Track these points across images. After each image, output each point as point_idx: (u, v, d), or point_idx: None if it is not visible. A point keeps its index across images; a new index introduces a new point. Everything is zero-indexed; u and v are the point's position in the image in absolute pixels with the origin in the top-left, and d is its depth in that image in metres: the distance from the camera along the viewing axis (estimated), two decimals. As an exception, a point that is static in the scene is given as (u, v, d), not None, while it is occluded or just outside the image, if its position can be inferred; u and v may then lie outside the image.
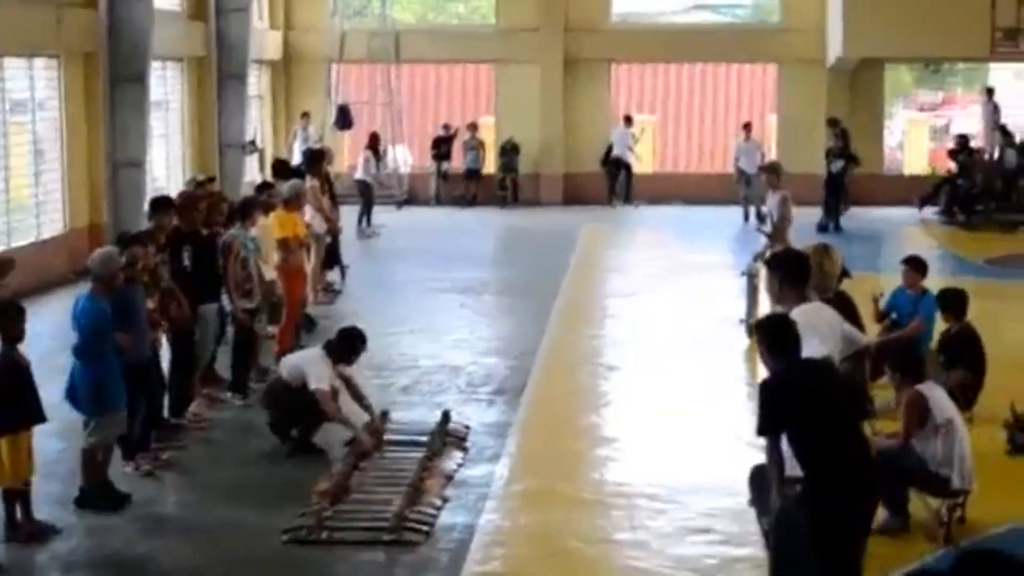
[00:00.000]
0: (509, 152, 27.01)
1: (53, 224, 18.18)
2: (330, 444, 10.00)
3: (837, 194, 23.25)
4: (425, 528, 8.26)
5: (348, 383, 10.21)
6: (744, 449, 9.18)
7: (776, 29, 27.43)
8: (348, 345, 10.17)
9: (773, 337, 6.70)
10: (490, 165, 27.43)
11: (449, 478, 9.26)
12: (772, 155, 25.08)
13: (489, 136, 27.59)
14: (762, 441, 6.60)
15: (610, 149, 26.57)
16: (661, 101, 29.27)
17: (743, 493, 7.79)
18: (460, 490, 9.08)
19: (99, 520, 8.53)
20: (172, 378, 10.55)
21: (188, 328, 10.61)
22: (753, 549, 7.82)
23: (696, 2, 29.37)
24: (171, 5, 21.71)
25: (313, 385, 9.77)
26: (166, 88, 21.77)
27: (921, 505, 8.20)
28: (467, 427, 10.45)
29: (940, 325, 11.14)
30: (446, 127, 27.32)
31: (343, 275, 17.03)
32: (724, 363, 12.88)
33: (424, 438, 9.94)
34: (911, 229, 23.23)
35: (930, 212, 24.37)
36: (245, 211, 11.93)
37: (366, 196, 22.66)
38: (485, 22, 28.47)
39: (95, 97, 18.45)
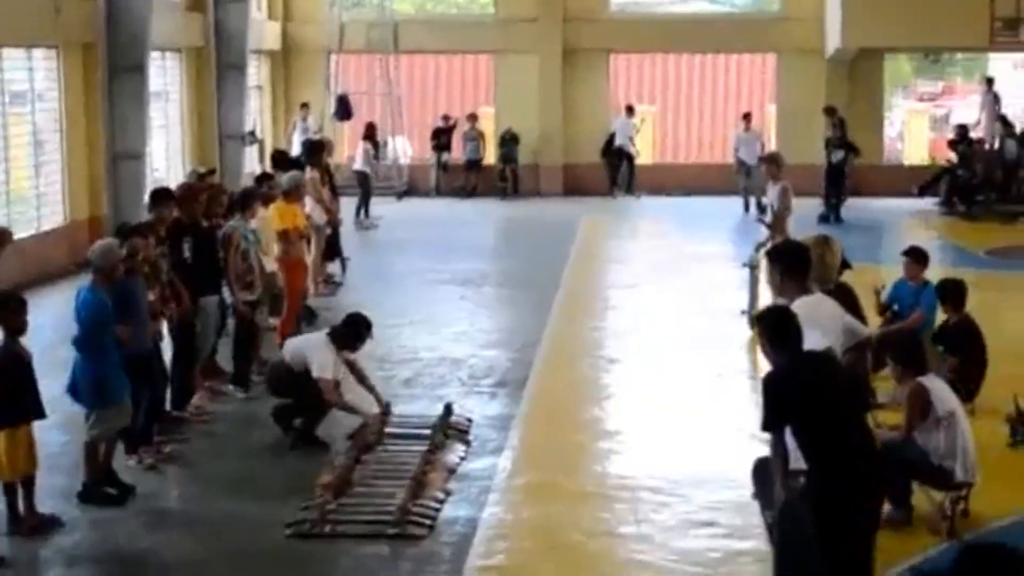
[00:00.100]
0: (509, 143, 26.99)
1: (53, 216, 18.17)
2: (332, 437, 9.99)
3: (838, 184, 23.24)
4: (428, 521, 8.26)
5: (352, 367, 10.19)
6: (747, 442, 9.19)
7: (775, 19, 27.40)
8: (354, 332, 10.14)
9: (774, 329, 6.70)
10: (490, 156, 27.41)
11: (452, 471, 9.25)
12: (771, 145, 25.07)
13: (489, 127, 27.56)
14: (766, 434, 6.60)
15: (610, 140, 26.55)
16: (660, 91, 29.22)
17: (746, 486, 7.80)
18: (463, 483, 9.07)
19: (102, 513, 8.53)
20: (174, 371, 10.54)
21: (189, 320, 10.60)
22: (757, 542, 7.82)
23: (695, -8, 29.36)
24: (169, -5, 21.68)
25: (316, 373, 9.76)
26: (165, 79, 21.73)
27: (924, 498, 8.21)
28: (469, 420, 10.44)
29: (941, 317, 11.14)
30: (445, 118, 27.29)
31: (344, 267, 17.02)
32: (726, 355, 12.86)
33: (426, 431, 9.93)
34: (911, 220, 23.22)
35: (930, 203, 24.35)
36: (245, 203, 11.93)
37: (364, 187, 22.64)
38: (484, 12, 28.43)
39: (94, 88, 18.42)
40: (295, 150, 21.69)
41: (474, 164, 27.09)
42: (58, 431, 9.45)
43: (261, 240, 11.98)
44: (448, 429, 10.06)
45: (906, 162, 28.62)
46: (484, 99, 28.22)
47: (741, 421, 10.09)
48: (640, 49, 28.06)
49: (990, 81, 26.79)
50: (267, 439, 10.09)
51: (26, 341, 8.31)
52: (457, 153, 27.25)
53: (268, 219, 12.55)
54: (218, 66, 22.74)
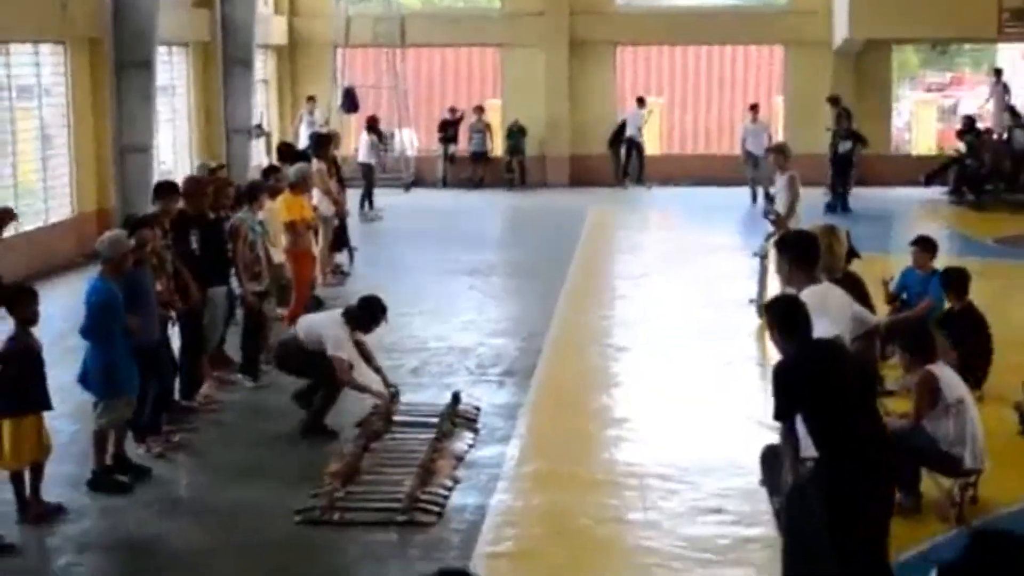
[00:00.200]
0: (516, 134, 26.99)
1: (61, 209, 18.22)
2: (341, 425, 10.01)
3: (844, 174, 23.22)
4: (437, 509, 8.27)
5: (360, 347, 10.21)
6: (755, 429, 9.19)
7: (783, 11, 27.37)
8: (369, 314, 10.16)
9: (783, 318, 6.70)
10: (497, 148, 27.42)
11: (460, 459, 9.26)
12: (779, 136, 25.04)
13: (496, 119, 27.57)
14: (777, 423, 6.59)
15: (619, 131, 26.55)
16: (667, 83, 29.19)
17: (754, 473, 7.80)
18: (471, 471, 9.08)
19: (111, 501, 8.55)
20: (182, 361, 10.57)
21: (197, 311, 10.63)
22: (765, 529, 7.82)
23: (702, -16, 29.30)
24: (176, -11, 21.69)
25: (331, 351, 9.78)
26: (172, 73, 21.77)
27: (933, 485, 8.20)
28: (477, 408, 10.46)
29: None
30: (452, 110, 27.32)
31: (351, 257, 17.06)
32: (734, 344, 12.86)
33: (434, 419, 9.95)
34: (920, 209, 23.19)
35: (938, 192, 24.34)
36: (252, 195, 11.98)
37: (368, 179, 22.66)
38: (490, 6, 28.42)
39: (101, 83, 18.45)
40: (302, 143, 21.71)
41: (480, 156, 27.11)
42: (68, 420, 9.48)
43: (268, 231, 12.04)
44: (456, 417, 10.07)
45: (914, 152, 28.59)
46: (491, 92, 28.22)
47: (749, 409, 10.09)
48: (647, 41, 28.04)
49: (999, 72, 26.75)
50: (276, 428, 10.11)
51: (35, 332, 8.34)
52: (464, 145, 27.28)
53: (275, 211, 12.66)
54: (225, 61, 22.75)
